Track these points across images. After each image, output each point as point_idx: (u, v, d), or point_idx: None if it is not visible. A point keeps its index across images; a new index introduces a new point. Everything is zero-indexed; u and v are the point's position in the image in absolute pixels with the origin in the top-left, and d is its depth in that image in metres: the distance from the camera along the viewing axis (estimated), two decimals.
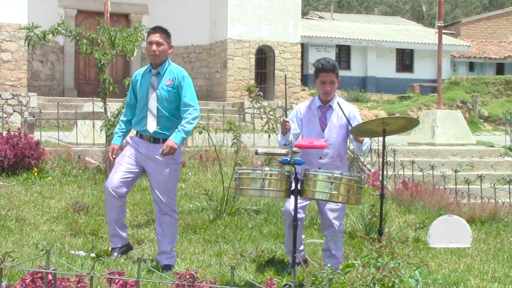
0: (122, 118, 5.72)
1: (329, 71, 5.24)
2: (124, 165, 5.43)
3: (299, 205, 5.09)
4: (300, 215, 5.24)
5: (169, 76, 5.42)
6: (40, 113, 11.94)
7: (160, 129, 5.38)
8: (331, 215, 5.32)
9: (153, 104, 5.38)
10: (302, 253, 5.56)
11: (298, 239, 5.18)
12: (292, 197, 4.66)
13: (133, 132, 5.66)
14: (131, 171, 5.43)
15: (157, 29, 5.49)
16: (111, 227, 5.57)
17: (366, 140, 5.24)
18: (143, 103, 5.43)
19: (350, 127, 5.20)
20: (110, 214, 5.51)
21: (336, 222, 5.33)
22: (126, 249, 5.59)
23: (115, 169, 5.47)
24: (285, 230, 5.58)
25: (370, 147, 5.40)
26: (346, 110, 5.29)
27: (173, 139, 5.27)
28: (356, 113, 5.39)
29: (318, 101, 5.37)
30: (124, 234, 5.60)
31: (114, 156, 5.48)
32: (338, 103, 5.34)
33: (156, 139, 5.40)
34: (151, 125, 5.38)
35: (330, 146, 5.24)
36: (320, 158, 5.23)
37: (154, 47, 5.37)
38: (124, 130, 5.64)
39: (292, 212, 4.74)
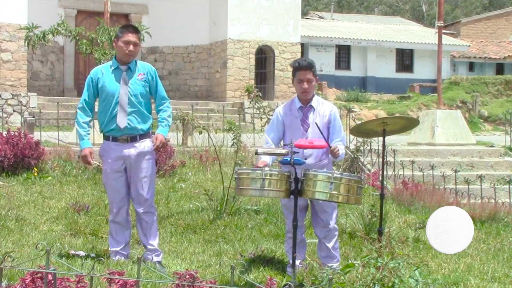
0: (83, 119, 5.46)
1: (305, 68, 5.21)
2: (114, 190, 5.42)
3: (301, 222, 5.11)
4: (302, 236, 5.28)
5: (140, 71, 5.44)
6: (40, 113, 11.94)
7: (134, 125, 5.35)
8: (325, 214, 5.30)
9: (124, 99, 5.33)
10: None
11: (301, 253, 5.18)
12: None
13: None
14: (123, 190, 5.43)
15: (133, 29, 5.49)
16: (117, 247, 5.54)
17: (341, 152, 5.17)
18: (114, 100, 5.34)
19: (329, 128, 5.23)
20: (124, 238, 5.54)
21: (331, 221, 5.32)
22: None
23: (111, 196, 5.46)
24: (286, 239, 5.56)
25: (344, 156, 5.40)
26: (326, 109, 5.28)
27: (162, 133, 5.36)
28: (336, 112, 5.37)
29: (298, 102, 5.32)
30: (126, 252, 5.57)
31: (92, 160, 5.42)
32: (322, 101, 5.34)
33: (133, 137, 5.37)
34: (122, 121, 5.31)
35: (314, 156, 5.24)
36: (305, 158, 5.18)
37: (132, 47, 5.37)
38: (89, 132, 5.52)
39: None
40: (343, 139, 5.34)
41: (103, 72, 5.45)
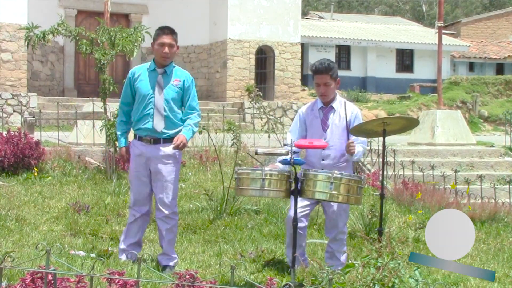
0: (120, 118, 5.65)
1: (322, 72, 5.20)
2: (138, 184, 5.46)
3: (302, 214, 5.10)
4: (303, 223, 5.23)
5: (176, 77, 5.45)
6: (40, 113, 11.94)
7: (164, 129, 5.38)
8: (335, 217, 5.30)
9: (159, 102, 5.35)
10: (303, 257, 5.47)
11: (300, 248, 5.15)
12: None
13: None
14: (145, 191, 5.48)
15: (169, 30, 5.48)
16: (127, 246, 5.55)
17: (358, 150, 5.17)
18: (147, 101, 5.38)
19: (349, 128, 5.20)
20: (136, 235, 5.56)
21: (340, 224, 5.32)
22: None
23: (135, 189, 5.50)
24: (286, 240, 5.52)
25: (363, 154, 5.39)
26: (348, 111, 5.27)
27: (184, 135, 5.36)
28: (359, 114, 5.37)
29: (320, 102, 5.36)
30: (136, 251, 5.54)
31: (128, 156, 5.54)
32: (345, 102, 5.32)
33: (156, 139, 5.39)
34: (159, 125, 5.36)
35: (331, 147, 5.23)
36: (323, 159, 5.21)
37: (167, 49, 5.37)
38: (126, 132, 5.63)
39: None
40: (363, 142, 5.32)
41: (141, 72, 5.50)
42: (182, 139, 5.32)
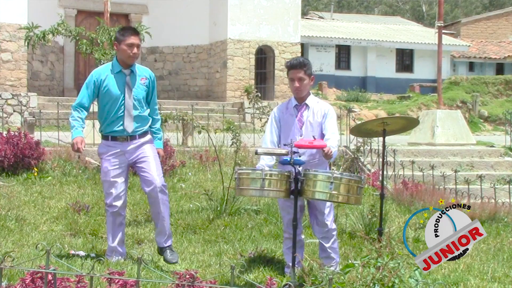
0: (78, 115, 5.43)
1: (296, 67, 5.25)
2: (113, 180, 5.43)
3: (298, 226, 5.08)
4: (299, 237, 5.25)
5: (142, 75, 5.53)
6: (40, 113, 11.94)
7: (135, 128, 5.46)
8: (322, 214, 5.28)
9: (129, 103, 5.42)
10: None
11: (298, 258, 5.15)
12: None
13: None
14: (123, 181, 5.47)
15: (134, 31, 5.54)
16: (112, 244, 5.53)
17: (333, 151, 5.09)
18: (120, 103, 5.42)
19: (324, 127, 5.24)
20: (116, 232, 5.52)
21: (327, 221, 5.30)
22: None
23: (108, 187, 5.46)
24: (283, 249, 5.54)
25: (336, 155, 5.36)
26: (321, 108, 5.30)
27: (161, 147, 5.74)
28: (331, 111, 5.36)
29: (294, 100, 5.39)
30: (122, 250, 5.57)
31: (83, 147, 5.33)
32: (318, 101, 5.37)
33: (132, 136, 5.49)
34: (129, 125, 5.44)
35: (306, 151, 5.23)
36: (300, 156, 5.19)
37: (136, 49, 5.43)
38: (83, 126, 5.48)
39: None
40: (333, 135, 5.24)
41: (106, 75, 5.47)
42: (162, 154, 5.72)
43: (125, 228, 5.71)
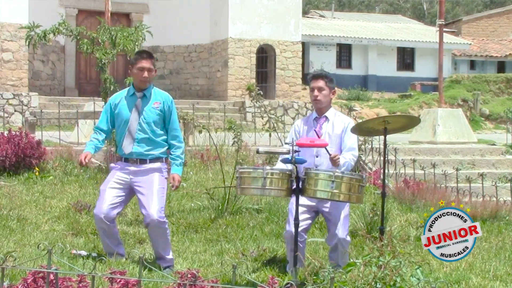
0: (96, 136, 5.56)
1: (317, 77, 5.35)
2: (109, 191, 5.40)
3: (301, 228, 5.06)
4: (302, 238, 5.21)
5: (156, 99, 5.48)
6: (41, 112, 11.94)
7: (144, 151, 5.41)
8: (336, 227, 5.24)
9: (133, 126, 5.41)
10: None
11: (299, 262, 5.12)
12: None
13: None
14: (117, 195, 5.41)
15: (147, 54, 5.53)
16: (106, 247, 5.52)
17: (344, 161, 5.12)
18: (127, 125, 5.43)
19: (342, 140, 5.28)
20: (104, 238, 5.50)
21: (341, 231, 5.25)
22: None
23: (101, 197, 5.43)
24: (287, 253, 5.45)
25: (353, 166, 5.37)
26: (341, 121, 5.36)
27: (177, 173, 5.44)
28: (351, 124, 5.38)
29: (314, 113, 5.47)
30: (121, 250, 5.55)
31: (86, 161, 5.38)
32: (339, 114, 5.45)
33: (142, 160, 5.43)
34: (128, 147, 5.41)
35: (325, 155, 5.23)
36: (316, 167, 5.18)
37: (146, 73, 5.40)
38: (99, 147, 5.57)
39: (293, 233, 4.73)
40: (351, 149, 5.28)
41: (121, 98, 5.54)
42: (178, 179, 5.43)
43: (118, 234, 5.62)
